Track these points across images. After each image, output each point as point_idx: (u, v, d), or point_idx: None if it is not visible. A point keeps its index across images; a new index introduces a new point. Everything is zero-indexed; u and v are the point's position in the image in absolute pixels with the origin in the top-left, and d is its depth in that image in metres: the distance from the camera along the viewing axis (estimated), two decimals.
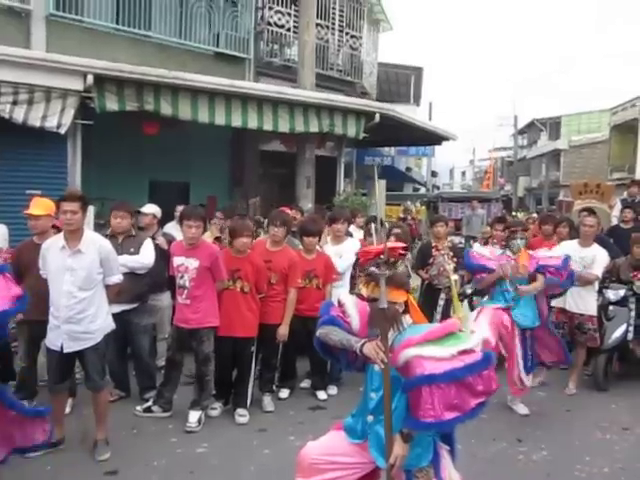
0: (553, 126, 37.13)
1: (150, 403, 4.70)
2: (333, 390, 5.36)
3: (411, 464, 2.57)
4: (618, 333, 5.70)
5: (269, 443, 4.22)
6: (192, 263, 4.43)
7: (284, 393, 5.21)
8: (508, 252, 4.88)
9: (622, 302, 5.86)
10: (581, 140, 32.96)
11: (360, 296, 2.67)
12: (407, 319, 2.63)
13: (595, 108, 34.18)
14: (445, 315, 5.88)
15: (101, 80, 7.29)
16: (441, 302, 6.09)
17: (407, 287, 2.68)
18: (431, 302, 6.09)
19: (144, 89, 7.68)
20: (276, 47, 12.32)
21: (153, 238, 5.16)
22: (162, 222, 6.00)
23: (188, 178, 10.75)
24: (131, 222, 4.86)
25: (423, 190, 29.46)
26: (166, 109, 7.86)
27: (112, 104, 7.44)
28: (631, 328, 5.76)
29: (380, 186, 13.07)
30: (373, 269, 2.55)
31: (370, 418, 2.68)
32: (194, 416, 4.44)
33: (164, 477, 3.67)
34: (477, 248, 5.65)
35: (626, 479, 3.85)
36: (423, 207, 19.22)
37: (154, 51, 9.94)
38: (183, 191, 10.48)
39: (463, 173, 64.49)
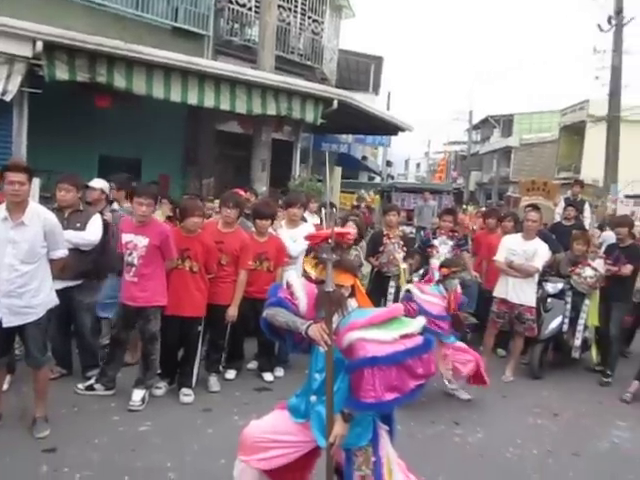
0: (506, 123, 38.11)
1: (92, 381, 4.62)
2: (280, 372, 5.41)
3: (351, 443, 2.65)
4: (554, 324, 5.98)
5: (213, 423, 4.24)
6: (141, 241, 4.37)
7: (230, 374, 5.22)
8: (442, 289, 5.00)
9: (560, 295, 6.14)
10: (531, 139, 34.01)
11: (309, 278, 2.72)
12: (353, 303, 2.70)
13: (547, 108, 35.22)
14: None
15: (51, 48, 7.00)
16: (391, 290, 6.21)
17: (354, 271, 2.74)
18: (380, 289, 6.22)
19: (97, 60, 7.43)
20: (236, 26, 12.15)
21: (101, 214, 5.03)
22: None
23: (140, 155, 10.51)
24: (77, 196, 4.71)
25: (378, 179, 29.76)
26: (120, 82, 7.64)
27: (62, 73, 7.17)
28: (566, 320, 6.06)
29: (335, 173, 13.16)
30: (321, 253, 2.59)
31: (313, 398, 2.74)
32: (138, 395, 4.40)
33: (105, 455, 3.64)
34: (419, 295, 4.89)
35: (553, 461, 4.07)
36: (377, 196, 19.45)
37: (109, 21, 9.64)
38: (134, 168, 10.22)
39: (418, 165, 65.46)
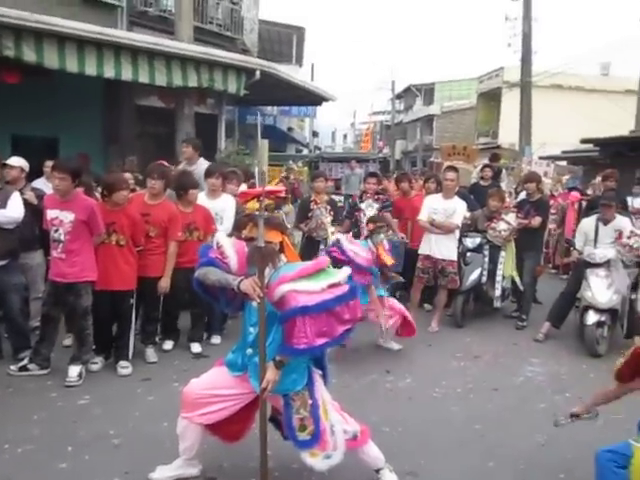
0: (427, 92, 39.04)
1: (26, 362, 4.55)
2: (217, 339, 5.50)
3: (288, 389, 2.84)
4: (474, 276, 6.42)
5: (153, 390, 4.31)
6: (67, 216, 4.30)
7: (168, 345, 5.26)
8: (370, 243, 5.22)
9: (478, 249, 6.58)
10: (452, 106, 35.07)
11: (238, 237, 2.84)
12: (282, 258, 2.85)
13: (466, 76, 36.26)
14: None
15: None
16: (321, 254, 6.41)
17: (282, 228, 2.90)
18: (311, 254, 6.38)
19: (3, 33, 7.04)
20: None
21: (21, 193, 4.88)
22: (28, 179, 5.63)
23: (57, 133, 10.08)
24: None
25: (306, 151, 29.84)
26: (29, 56, 7.29)
27: None
28: (485, 272, 6.51)
29: (263, 145, 13.17)
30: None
31: (249, 351, 2.90)
32: (74, 370, 4.39)
33: (45, 429, 3.64)
34: (347, 245, 5.05)
35: (474, 396, 4.46)
36: (305, 168, 19.57)
37: None
38: (51, 147, 9.81)
39: (345, 136, 65.92)
